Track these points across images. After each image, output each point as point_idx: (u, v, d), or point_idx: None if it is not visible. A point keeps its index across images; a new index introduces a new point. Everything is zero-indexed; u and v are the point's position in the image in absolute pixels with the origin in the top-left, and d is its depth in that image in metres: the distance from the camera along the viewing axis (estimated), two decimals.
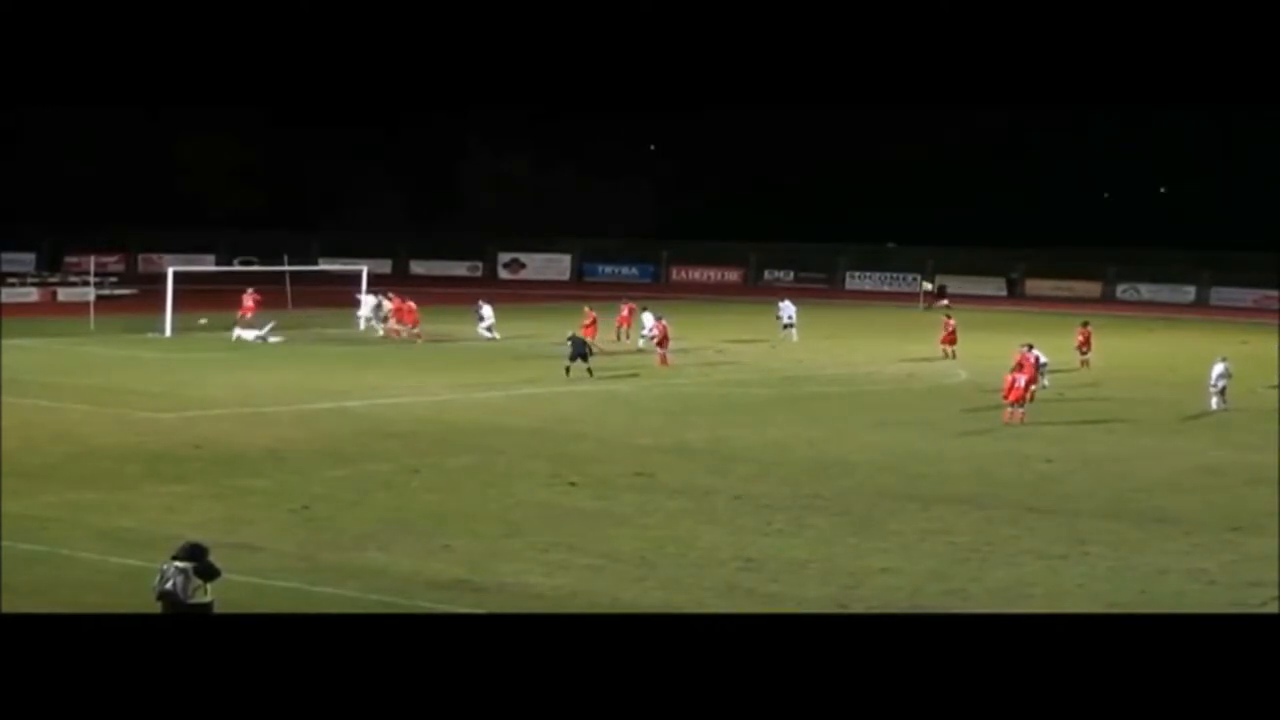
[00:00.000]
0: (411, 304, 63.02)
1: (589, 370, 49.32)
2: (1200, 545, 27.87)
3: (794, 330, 65.08)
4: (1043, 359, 47.33)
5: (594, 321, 57.94)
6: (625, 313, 62.96)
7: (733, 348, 61.53)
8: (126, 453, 34.64)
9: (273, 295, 67.17)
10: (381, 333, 62.67)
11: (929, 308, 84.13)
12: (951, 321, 61.28)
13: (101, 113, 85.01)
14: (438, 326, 66.10)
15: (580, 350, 49.79)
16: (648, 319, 59.69)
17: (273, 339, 59.27)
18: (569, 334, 52.10)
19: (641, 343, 58.97)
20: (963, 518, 29.61)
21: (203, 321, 62.37)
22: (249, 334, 59.60)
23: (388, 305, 63.80)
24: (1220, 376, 45.97)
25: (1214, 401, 45.65)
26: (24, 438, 35.37)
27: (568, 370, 49.35)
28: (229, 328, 60.43)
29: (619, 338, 61.45)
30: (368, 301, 65.16)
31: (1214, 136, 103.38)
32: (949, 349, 59.01)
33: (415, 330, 61.72)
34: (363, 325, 64.23)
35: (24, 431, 36.16)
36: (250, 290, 62.50)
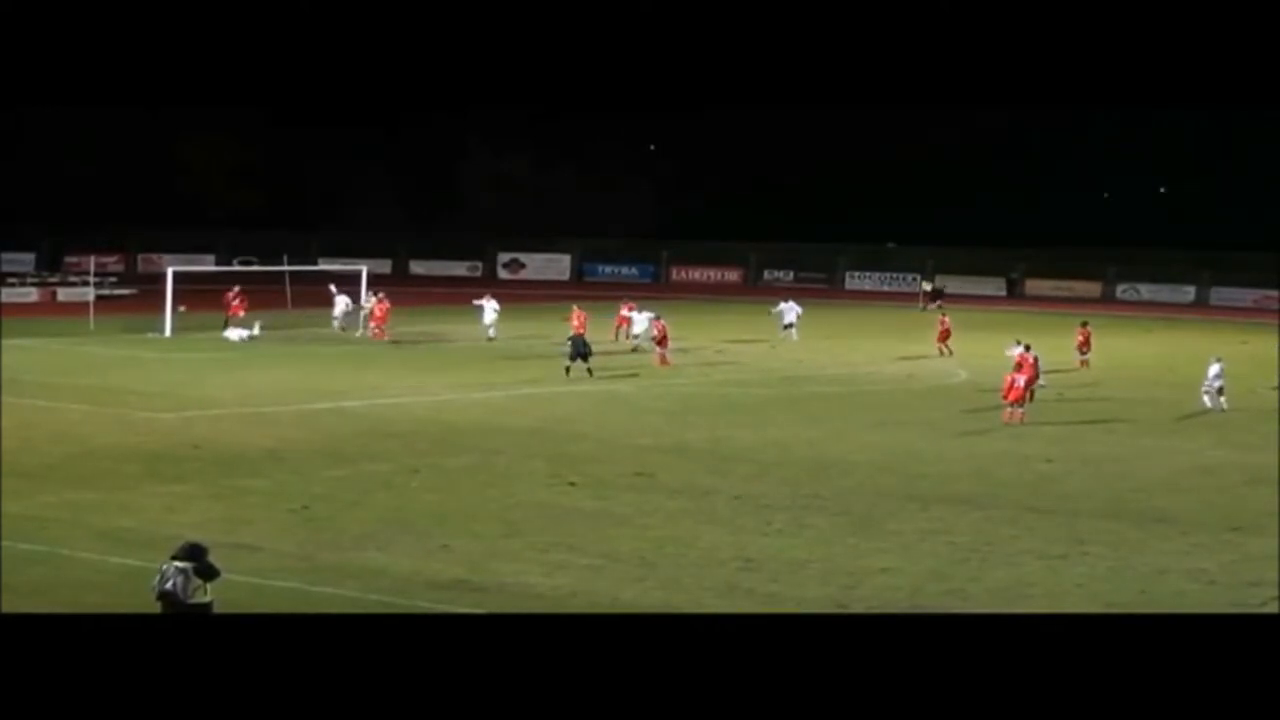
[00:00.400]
0: (385, 305, 62.65)
1: (589, 370, 49.31)
2: (1200, 545, 27.86)
3: (794, 330, 65.07)
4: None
5: (581, 322, 57.52)
6: (625, 312, 62.69)
7: (733, 348, 61.53)
8: (126, 453, 34.64)
9: (273, 295, 67.16)
10: (359, 332, 62.27)
11: (925, 308, 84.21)
12: (946, 320, 61.95)
13: (101, 113, 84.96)
14: (438, 326, 66.12)
15: (581, 350, 49.75)
16: (640, 319, 59.51)
17: (252, 332, 59.27)
18: (570, 334, 52.02)
19: (633, 343, 58.70)
20: (962, 518, 29.61)
21: (181, 309, 62.35)
22: (235, 334, 59.46)
23: (371, 303, 63.34)
24: (1216, 377, 45.95)
25: (1208, 401, 45.61)
26: (23, 438, 35.37)
27: (568, 370, 49.35)
28: (215, 323, 60.28)
29: (618, 337, 61.34)
30: (340, 301, 64.70)
31: (1214, 136, 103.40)
32: (943, 346, 59.60)
33: (376, 330, 61.38)
34: (337, 326, 63.80)
35: (23, 431, 36.15)
36: (236, 289, 62.35)
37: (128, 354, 54.61)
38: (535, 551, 26.07)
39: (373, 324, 61.89)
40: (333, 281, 66.06)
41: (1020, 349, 45.04)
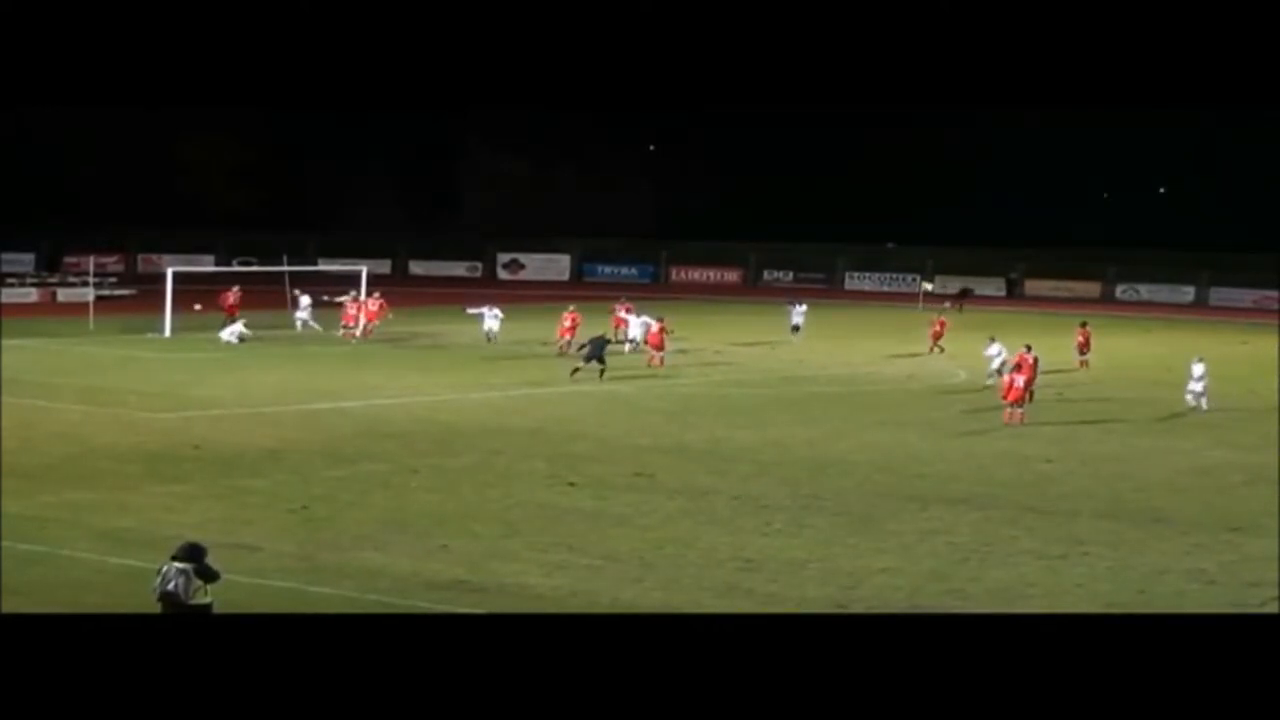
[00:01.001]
0: (360, 304, 62.44)
1: (601, 371, 48.82)
2: (1199, 545, 27.87)
3: (797, 335, 65.06)
4: (999, 356, 48.07)
5: (574, 324, 57.37)
6: (622, 312, 62.49)
7: (732, 348, 61.52)
8: (126, 453, 34.64)
9: (272, 295, 67.09)
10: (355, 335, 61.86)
11: (925, 308, 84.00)
12: (945, 320, 62.15)
13: (101, 113, 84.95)
14: (437, 327, 66.11)
15: (597, 352, 49.11)
16: (636, 322, 59.34)
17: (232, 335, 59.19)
18: (594, 334, 51.46)
19: (628, 346, 58.43)
20: (962, 518, 29.62)
21: (197, 308, 62.33)
22: (228, 335, 59.29)
23: (348, 301, 63.06)
24: (1200, 378, 45.93)
25: (1204, 403, 45.60)
26: (23, 438, 35.36)
27: (574, 371, 48.99)
28: (216, 324, 60.15)
29: (616, 338, 61.16)
30: (303, 300, 64.53)
31: (1214, 136, 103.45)
32: (935, 345, 60.00)
33: (348, 328, 61.10)
34: (299, 326, 63.63)
35: (23, 431, 36.15)
36: (236, 288, 62.29)
37: (127, 354, 54.60)
38: (535, 551, 26.08)
39: (343, 322, 61.51)
40: (296, 285, 65.85)
41: (995, 348, 45.10)
